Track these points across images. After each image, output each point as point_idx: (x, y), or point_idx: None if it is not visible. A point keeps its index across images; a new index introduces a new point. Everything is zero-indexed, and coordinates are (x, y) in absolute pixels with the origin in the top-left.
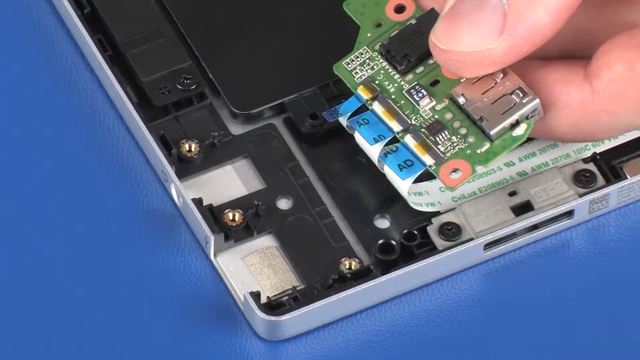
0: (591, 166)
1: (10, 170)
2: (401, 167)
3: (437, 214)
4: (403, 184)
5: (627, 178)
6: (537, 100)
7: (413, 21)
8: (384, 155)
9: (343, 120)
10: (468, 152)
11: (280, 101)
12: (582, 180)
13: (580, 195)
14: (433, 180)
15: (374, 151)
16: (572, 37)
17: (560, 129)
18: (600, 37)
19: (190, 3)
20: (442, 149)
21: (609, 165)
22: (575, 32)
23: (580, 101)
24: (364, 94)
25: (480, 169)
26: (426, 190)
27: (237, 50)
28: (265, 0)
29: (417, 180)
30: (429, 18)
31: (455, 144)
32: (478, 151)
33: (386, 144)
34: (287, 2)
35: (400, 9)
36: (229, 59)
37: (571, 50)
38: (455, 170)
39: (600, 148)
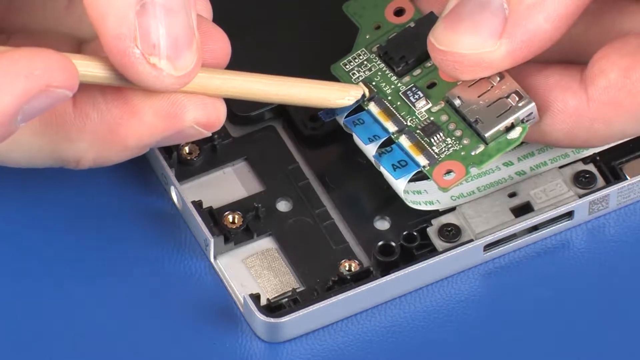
0: (591, 167)
1: (10, 171)
2: (395, 167)
3: (436, 215)
4: (398, 184)
5: (627, 179)
6: (533, 104)
7: (412, 24)
8: (379, 155)
9: (340, 120)
10: (462, 153)
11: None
12: (582, 181)
13: (580, 196)
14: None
15: (369, 150)
16: (569, 44)
17: (554, 134)
18: (596, 45)
19: None
20: (436, 150)
21: (609, 166)
22: (572, 39)
23: (575, 107)
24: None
25: (474, 170)
26: (425, 189)
27: (236, 52)
28: (265, 2)
29: (416, 179)
30: (428, 21)
31: (450, 145)
32: (472, 153)
33: (382, 145)
34: (287, 3)
35: (399, 12)
36: (229, 60)
37: (568, 56)
38: (449, 172)
39: (600, 148)
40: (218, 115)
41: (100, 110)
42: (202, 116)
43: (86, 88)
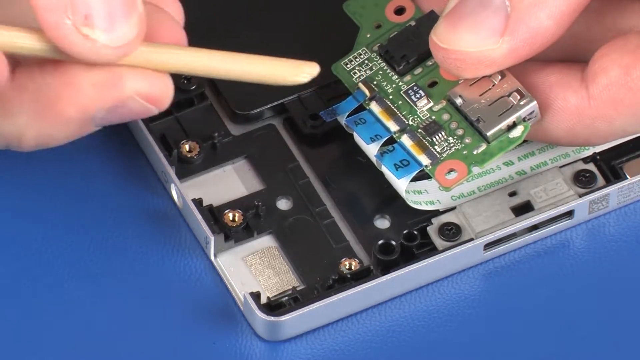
0: (591, 166)
1: (11, 170)
2: (397, 166)
3: (437, 214)
4: (400, 183)
5: (627, 178)
6: (534, 103)
7: (412, 23)
8: (381, 154)
9: (341, 120)
10: (464, 152)
11: (280, 102)
12: (582, 180)
13: (580, 196)
14: (432, 178)
15: (371, 150)
16: (570, 43)
17: (555, 133)
18: (597, 43)
19: (190, 4)
20: (438, 150)
21: (609, 166)
22: (573, 37)
23: (576, 106)
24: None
25: (476, 169)
26: (425, 189)
27: (237, 50)
28: (265, 1)
29: (416, 179)
30: (429, 20)
31: (451, 144)
32: (474, 152)
33: (384, 144)
34: (287, 2)
35: (400, 11)
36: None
37: (569, 55)
38: (451, 171)
39: (600, 148)
40: (162, 90)
41: (37, 82)
42: (144, 88)
43: (23, 60)
